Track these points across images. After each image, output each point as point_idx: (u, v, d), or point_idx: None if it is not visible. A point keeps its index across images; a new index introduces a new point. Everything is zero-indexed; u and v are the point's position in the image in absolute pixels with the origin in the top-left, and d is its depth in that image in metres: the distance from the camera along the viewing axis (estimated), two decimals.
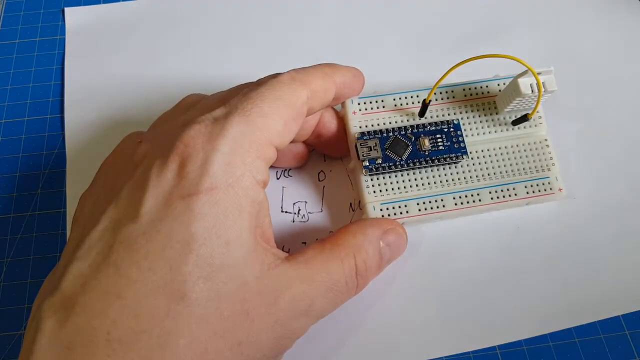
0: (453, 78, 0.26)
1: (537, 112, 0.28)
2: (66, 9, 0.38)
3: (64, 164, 0.32)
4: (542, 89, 0.25)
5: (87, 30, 0.37)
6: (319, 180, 0.30)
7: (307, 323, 0.22)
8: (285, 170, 0.30)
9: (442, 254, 0.28)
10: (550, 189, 0.27)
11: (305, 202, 0.29)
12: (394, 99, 0.28)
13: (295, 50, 0.36)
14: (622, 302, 0.26)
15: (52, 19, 0.38)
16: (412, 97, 0.28)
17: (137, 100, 0.33)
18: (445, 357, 0.25)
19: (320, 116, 0.27)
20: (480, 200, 0.27)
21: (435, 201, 0.27)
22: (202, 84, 0.34)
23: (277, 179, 0.30)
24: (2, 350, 0.26)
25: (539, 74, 0.24)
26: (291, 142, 0.28)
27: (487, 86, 0.28)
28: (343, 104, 0.27)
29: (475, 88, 0.28)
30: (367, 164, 0.26)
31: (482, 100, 0.28)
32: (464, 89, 0.28)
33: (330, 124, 0.27)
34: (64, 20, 0.38)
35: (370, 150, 0.26)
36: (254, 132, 0.21)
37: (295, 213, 0.29)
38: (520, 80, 0.25)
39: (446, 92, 0.28)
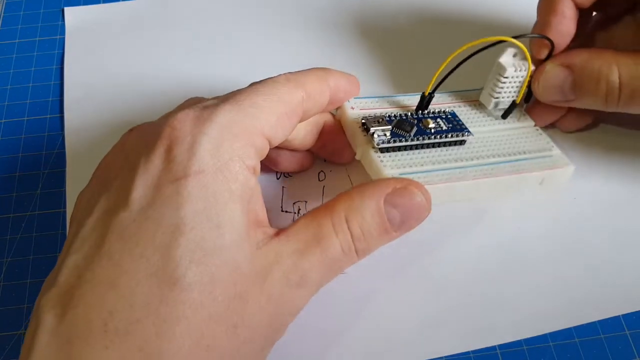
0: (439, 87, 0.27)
1: (520, 110, 0.29)
2: (66, 9, 0.38)
3: (63, 164, 0.31)
4: (530, 58, 0.26)
5: (86, 30, 0.37)
6: (319, 180, 0.30)
7: (303, 295, 0.21)
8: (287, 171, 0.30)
9: (442, 254, 0.28)
10: (559, 164, 0.27)
11: (305, 202, 0.29)
12: (387, 101, 0.28)
13: (296, 50, 0.36)
14: (622, 302, 0.26)
15: (51, 19, 0.38)
16: (409, 99, 0.28)
17: (136, 100, 0.33)
18: (445, 357, 0.25)
19: (323, 125, 0.27)
20: (497, 173, 0.26)
21: (455, 174, 0.26)
22: (202, 84, 0.34)
23: (277, 179, 0.30)
24: (2, 350, 0.26)
25: (518, 37, 0.25)
26: (296, 151, 0.28)
27: (469, 94, 0.30)
28: (339, 109, 0.27)
29: (461, 96, 0.29)
30: (377, 137, 0.25)
31: (468, 102, 0.29)
32: (449, 96, 0.29)
33: (333, 132, 0.27)
34: (63, 20, 0.38)
35: (378, 122, 0.26)
36: (244, 120, 0.21)
37: (295, 213, 0.29)
38: (502, 60, 0.26)
39: (433, 99, 0.28)
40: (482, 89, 0.29)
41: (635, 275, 0.27)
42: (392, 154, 0.26)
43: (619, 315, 0.26)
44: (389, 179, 0.23)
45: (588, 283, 0.27)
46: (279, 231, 0.21)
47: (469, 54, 0.25)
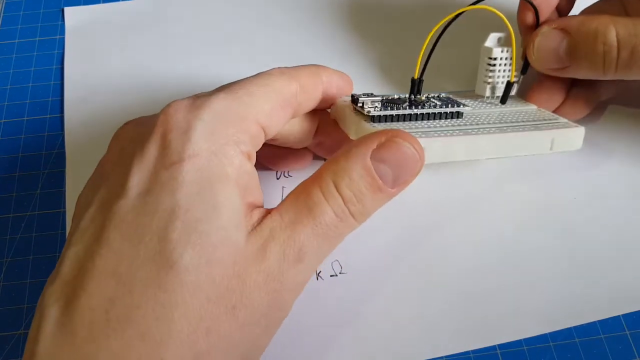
0: (431, 87, 0.27)
1: (518, 98, 0.28)
2: (66, 9, 0.38)
3: (63, 164, 0.31)
4: (514, 37, 0.26)
5: (86, 30, 0.37)
6: None
7: (304, 269, 0.21)
8: (286, 170, 0.30)
9: (443, 254, 0.28)
10: (568, 126, 0.25)
11: None
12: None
13: (295, 50, 0.36)
14: (622, 302, 0.26)
15: (51, 19, 0.38)
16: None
17: (136, 100, 0.33)
18: (445, 357, 0.25)
19: (319, 122, 0.27)
20: (502, 131, 0.24)
21: (455, 131, 0.24)
22: (202, 83, 0.34)
23: (277, 179, 0.30)
24: (2, 350, 0.26)
25: None
26: (293, 148, 0.28)
27: (466, 93, 0.29)
28: (332, 105, 0.27)
29: (457, 94, 0.29)
30: (367, 107, 0.24)
31: (465, 96, 0.29)
32: (445, 94, 0.29)
33: (329, 129, 0.27)
34: (63, 20, 0.38)
35: (367, 96, 0.25)
36: (238, 107, 0.21)
37: None
38: (487, 44, 0.27)
39: (425, 95, 0.27)
40: (473, 90, 0.29)
41: (635, 275, 0.27)
42: (386, 124, 0.24)
43: (619, 315, 0.26)
44: (372, 134, 0.21)
45: (588, 283, 0.27)
46: (272, 209, 0.21)
47: (447, 25, 0.26)
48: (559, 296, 0.26)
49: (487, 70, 0.27)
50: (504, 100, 0.28)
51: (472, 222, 0.28)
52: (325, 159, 0.30)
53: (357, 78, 0.27)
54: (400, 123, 0.24)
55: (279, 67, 0.24)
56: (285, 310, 0.21)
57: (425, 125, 0.24)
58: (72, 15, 0.38)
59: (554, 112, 0.29)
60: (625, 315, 0.26)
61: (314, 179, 0.21)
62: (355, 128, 0.24)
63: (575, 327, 0.26)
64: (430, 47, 0.26)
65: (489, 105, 0.28)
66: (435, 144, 0.22)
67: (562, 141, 0.25)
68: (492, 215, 0.29)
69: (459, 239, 0.28)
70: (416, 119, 0.25)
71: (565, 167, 0.30)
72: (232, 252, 0.19)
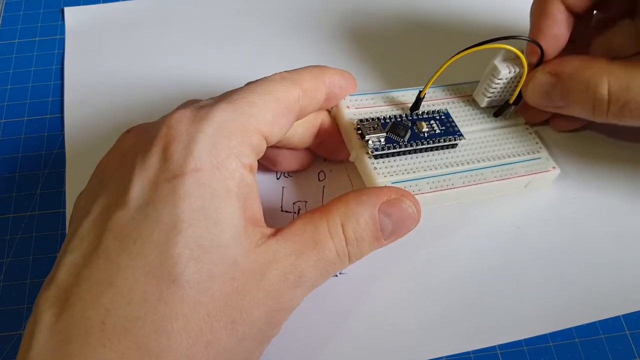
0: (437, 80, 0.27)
1: (512, 106, 0.29)
2: (66, 9, 0.38)
3: (63, 164, 0.31)
4: (526, 64, 0.26)
5: (86, 30, 0.37)
6: (319, 180, 0.30)
7: (299, 294, 0.21)
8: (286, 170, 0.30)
9: (442, 254, 0.28)
10: (545, 167, 0.28)
11: (305, 202, 0.29)
12: (382, 98, 0.28)
13: (294, 49, 0.36)
14: (622, 302, 0.26)
15: (51, 19, 0.38)
16: (403, 95, 0.29)
17: (136, 100, 0.33)
18: (445, 357, 0.25)
19: (320, 123, 0.27)
20: (485, 178, 0.27)
21: (444, 180, 0.27)
22: (202, 84, 0.34)
23: (277, 179, 0.30)
24: (2, 350, 0.26)
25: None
26: (294, 149, 0.28)
27: (463, 88, 0.30)
28: (335, 107, 0.28)
29: (456, 90, 0.30)
30: (372, 144, 0.26)
31: (462, 97, 0.29)
32: (443, 90, 0.30)
33: (330, 129, 0.28)
34: (63, 20, 0.38)
35: (373, 129, 0.26)
36: (240, 118, 0.21)
37: (295, 213, 0.29)
38: (496, 62, 0.27)
39: (427, 94, 0.28)
40: (476, 82, 0.29)
41: (635, 275, 0.27)
42: (385, 159, 0.26)
43: (619, 315, 0.26)
44: (384, 188, 0.23)
45: (588, 283, 0.27)
46: (276, 231, 0.21)
47: (461, 51, 0.26)
48: (559, 296, 0.26)
49: (489, 85, 0.28)
50: (497, 114, 0.29)
51: (472, 222, 0.28)
52: (325, 159, 0.30)
53: (358, 76, 0.27)
54: (399, 158, 0.27)
55: (280, 72, 0.24)
56: (277, 329, 0.22)
57: (422, 161, 0.27)
58: (72, 15, 0.38)
59: (552, 118, 0.30)
60: (625, 315, 0.26)
61: (322, 214, 0.22)
62: (355, 154, 0.27)
63: (575, 327, 0.26)
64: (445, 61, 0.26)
65: (483, 117, 0.29)
66: (428, 197, 0.26)
67: (536, 183, 0.28)
68: (492, 216, 0.29)
69: (459, 240, 0.28)
70: (414, 152, 0.27)
71: (566, 167, 0.30)
72: (231, 268, 0.19)
